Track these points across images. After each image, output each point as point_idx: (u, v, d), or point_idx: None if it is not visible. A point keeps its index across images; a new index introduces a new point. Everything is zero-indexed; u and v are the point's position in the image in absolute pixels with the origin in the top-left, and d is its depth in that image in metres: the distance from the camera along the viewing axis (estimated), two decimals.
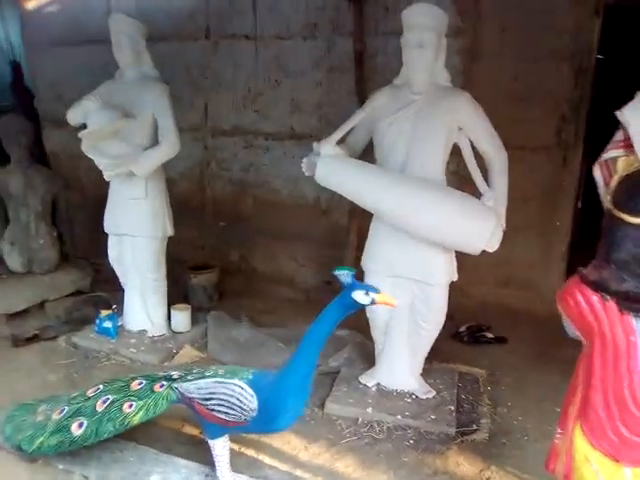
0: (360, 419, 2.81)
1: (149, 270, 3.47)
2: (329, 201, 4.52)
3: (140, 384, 2.23)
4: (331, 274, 4.62)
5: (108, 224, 3.50)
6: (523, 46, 3.57)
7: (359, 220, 4.32)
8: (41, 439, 2.23)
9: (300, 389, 1.98)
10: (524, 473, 2.50)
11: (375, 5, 4.02)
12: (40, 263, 3.89)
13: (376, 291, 1.89)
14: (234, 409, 1.98)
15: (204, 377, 2.11)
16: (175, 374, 2.23)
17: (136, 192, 3.33)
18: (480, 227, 2.51)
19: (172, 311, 3.66)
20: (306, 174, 2.74)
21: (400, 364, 2.96)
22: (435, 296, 2.78)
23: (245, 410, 1.97)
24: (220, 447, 2.10)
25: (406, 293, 2.83)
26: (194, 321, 3.75)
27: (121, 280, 3.64)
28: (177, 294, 3.98)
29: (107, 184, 3.42)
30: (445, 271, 2.76)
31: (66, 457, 2.38)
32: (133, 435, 2.46)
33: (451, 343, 3.68)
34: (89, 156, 3.12)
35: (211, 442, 2.11)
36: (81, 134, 3.04)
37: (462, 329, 3.82)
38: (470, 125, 2.63)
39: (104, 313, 3.54)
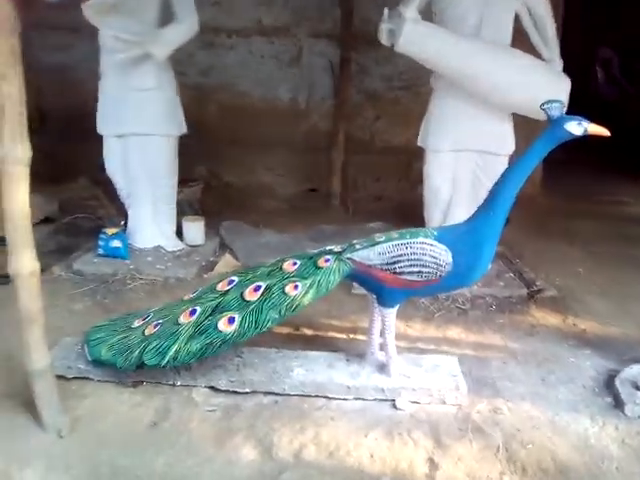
0: (439, 295, 2.83)
1: (163, 175, 3.02)
2: (307, 102, 4.30)
3: (295, 264, 1.97)
4: (313, 180, 4.47)
5: (106, 124, 2.93)
6: None
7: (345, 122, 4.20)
8: (175, 347, 1.88)
9: (496, 235, 1.91)
10: (595, 317, 2.76)
11: None
12: None
13: (588, 122, 1.85)
14: (429, 266, 1.86)
15: (378, 243, 1.93)
16: (335, 248, 2.00)
17: (146, 82, 2.82)
18: (559, 89, 2.59)
19: (185, 223, 3.25)
20: (383, 42, 2.56)
21: None
22: (499, 163, 2.85)
23: (441, 265, 1.85)
24: (393, 316, 1.97)
25: (469, 167, 2.87)
26: None
27: (122, 193, 3.12)
28: None
29: None
30: (511, 140, 2.84)
31: (181, 373, 2.06)
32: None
33: None
34: (101, 29, 2.55)
35: (386, 311, 1.97)
36: (87, 4, 2.45)
37: None
38: None
39: (110, 232, 3.02)
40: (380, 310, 2.00)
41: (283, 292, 1.90)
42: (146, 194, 3.03)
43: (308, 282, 1.91)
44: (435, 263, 1.86)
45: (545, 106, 1.86)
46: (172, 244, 3.14)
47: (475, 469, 1.74)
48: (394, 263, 1.89)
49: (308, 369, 2.10)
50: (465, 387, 2.03)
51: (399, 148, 4.25)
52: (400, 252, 1.88)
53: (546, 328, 2.62)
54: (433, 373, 2.09)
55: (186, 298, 2.06)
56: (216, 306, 1.92)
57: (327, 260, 1.96)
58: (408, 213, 3.64)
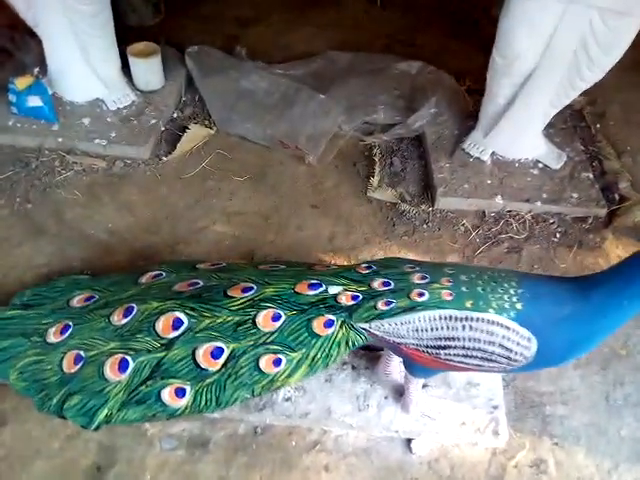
0: (487, 212, 2.08)
1: None
2: None
3: (277, 319, 1.24)
4: None
5: None
6: None
7: None
8: (105, 411, 1.30)
9: (619, 324, 1.13)
10: None
11: None
12: None
13: None
14: (496, 361, 1.15)
15: (415, 309, 1.16)
16: (342, 296, 1.23)
17: None
18: None
19: (131, 59, 2.21)
20: None
21: (533, 125, 2.09)
22: (625, 30, 1.76)
23: (516, 361, 1.14)
24: (420, 384, 1.34)
25: (579, 27, 1.77)
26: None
27: (26, 18, 2.00)
28: None
29: None
30: None
31: None
32: None
33: None
34: None
35: (414, 380, 1.34)
36: None
37: None
38: None
39: (21, 84, 2.03)
40: (406, 375, 1.34)
41: (257, 367, 1.23)
42: (59, 21, 1.93)
43: (296, 357, 1.22)
44: (507, 357, 1.14)
45: None
46: (115, 96, 2.17)
47: None
48: (440, 348, 1.16)
49: (298, 387, 1.56)
50: (505, 428, 1.53)
51: None
52: (452, 334, 1.13)
53: None
54: (465, 401, 1.56)
55: (116, 321, 1.36)
56: (157, 364, 1.27)
57: (329, 324, 1.22)
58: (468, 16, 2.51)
